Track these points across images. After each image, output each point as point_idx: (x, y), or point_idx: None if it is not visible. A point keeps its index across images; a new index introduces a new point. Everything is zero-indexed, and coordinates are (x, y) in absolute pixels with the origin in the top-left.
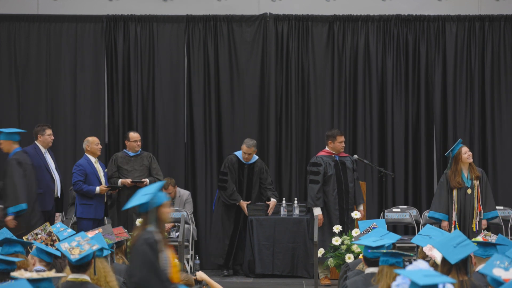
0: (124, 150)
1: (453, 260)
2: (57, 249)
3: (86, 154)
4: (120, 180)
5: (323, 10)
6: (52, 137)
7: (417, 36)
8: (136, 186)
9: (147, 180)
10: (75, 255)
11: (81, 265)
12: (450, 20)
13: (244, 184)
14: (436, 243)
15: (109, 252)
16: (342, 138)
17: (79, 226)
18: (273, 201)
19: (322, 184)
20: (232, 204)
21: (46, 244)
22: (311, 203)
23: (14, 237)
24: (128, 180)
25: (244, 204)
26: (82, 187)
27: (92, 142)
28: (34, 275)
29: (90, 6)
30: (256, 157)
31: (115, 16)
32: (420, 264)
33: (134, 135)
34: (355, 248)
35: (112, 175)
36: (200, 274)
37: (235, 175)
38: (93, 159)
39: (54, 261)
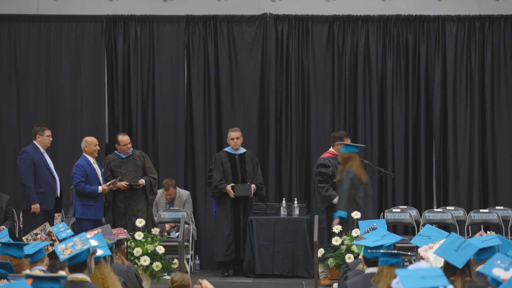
0: (116, 152)
1: (460, 264)
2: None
3: (84, 154)
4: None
5: (323, 10)
6: (51, 139)
7: (417, 36)
8: (132, 188)
9: (143, 181)
10: (65, 255)
11: (76, 265)
12: (450, 20)
13: (238, 174)
14: (438, 249)
15: (109, 252)
16: (349, 141)
17: (79, 227)
18: (253, 185)
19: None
20: (224, 200)
21: (46, 245)
22: (329, 197)
23: (10, 240)
24: (123, 183)
25: (228, 187)
26: (85, 188)
27: (90, 143)
28: (46, 274)
29: (90, 6)
30: (243, 148)
31: (115, 16)
32: (421, 264)
33: (123, 139)
34: (355, 248)
35: (107, 179)
36: (206, 284)
37: (222, 168)
38: (91, 160)
39: (54, 261)
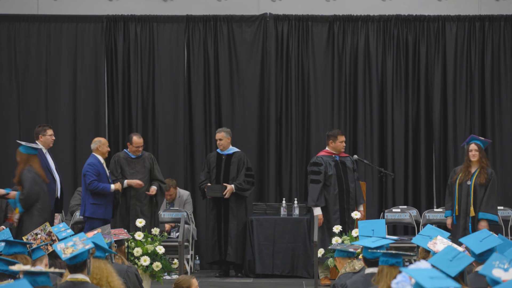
0: (125, 150)
1: (453, 273)
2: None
3: (94, 154)
4: (125, 181)
5: (323, 10)
6: (53, 138)
7: (417, 36)
8: (135, 188)
9: (154, 188)
10: (66, 254)
11: (76, 265)
12: (450, 20)
13: (221, 175)
14: (433, 259)
15: (110, 252)
16: (343, 138)
17: (89, 226)
18: (230, 186)
19: (323, 184)
20: (210, 200)
21: (46, 244)
22: (312, 203)
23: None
24: (138, 181)
25: (206, 187)
26: (98, 186)
27: (104, 144)
28: (32, 268)
29: (90, 6)
30: (235, 149)
31: (115, 16)
32: (421, 264)
33: (138, 141)
34: None
35: (117, 177)
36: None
37: (208, 168)
38: (101, 160)
39: (54, 261)
